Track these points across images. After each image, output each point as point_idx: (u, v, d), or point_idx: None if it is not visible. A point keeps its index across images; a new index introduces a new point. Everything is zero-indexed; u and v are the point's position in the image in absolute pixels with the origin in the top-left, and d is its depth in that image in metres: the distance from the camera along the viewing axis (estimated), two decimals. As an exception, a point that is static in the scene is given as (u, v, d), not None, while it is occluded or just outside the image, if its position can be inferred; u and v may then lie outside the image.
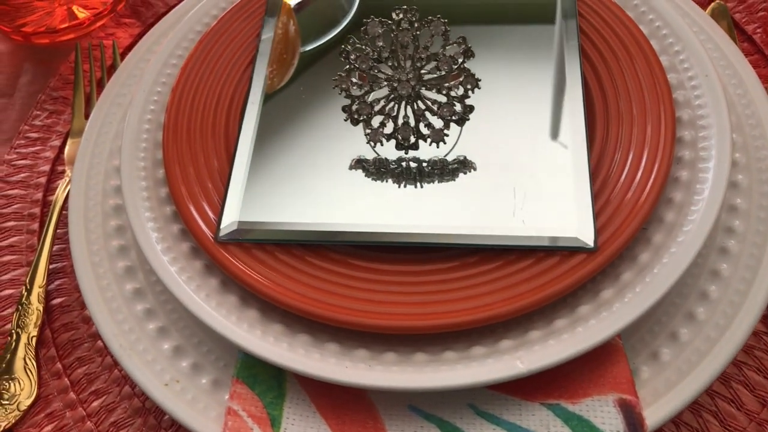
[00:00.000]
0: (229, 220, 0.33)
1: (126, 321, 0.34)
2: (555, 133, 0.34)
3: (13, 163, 0.45)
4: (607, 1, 0.39)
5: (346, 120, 0.34)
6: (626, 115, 0.35)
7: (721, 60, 0.39)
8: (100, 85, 0.47)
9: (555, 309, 0.31)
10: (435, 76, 0.32)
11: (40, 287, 0.39)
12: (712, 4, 0.45)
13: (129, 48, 0.49)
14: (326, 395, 0.31)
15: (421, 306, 0.30)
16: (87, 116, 0.45)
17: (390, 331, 0.30)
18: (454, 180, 0.34)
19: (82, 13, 0.50)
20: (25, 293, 0.38)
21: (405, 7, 0.31)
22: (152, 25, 0.50)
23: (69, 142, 0.44)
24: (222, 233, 0.33)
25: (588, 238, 0.31)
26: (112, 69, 0.48)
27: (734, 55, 0.39)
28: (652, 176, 0.33)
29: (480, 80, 0.32)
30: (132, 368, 0.32)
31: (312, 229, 0.33)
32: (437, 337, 0.31)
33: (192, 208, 0.34)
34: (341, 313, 0.30)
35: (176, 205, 0.34)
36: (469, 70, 0.32)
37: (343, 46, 0.32)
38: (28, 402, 0.36)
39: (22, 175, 0.44)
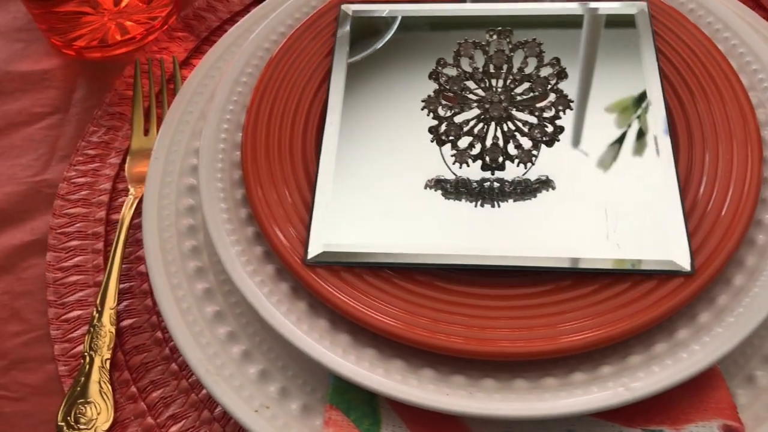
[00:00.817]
0: (317, 243, 0.33)
1: (210, 345, 0.33)
2: (640, 153, 0.34)
3: (72, 180, 0.44)
4: (681, 18, 0.39)
5: (432, 141, 0.33)
6: (710, 135, 0.35)
7: (796, 78, 0.39)
8: (159, 101, 0.46)
9: (651, 333, 0.31)
10: (527, 97, 0.32)
11: (111, 309, 0.38)
12: (774, 19, 0.45)
13: (184, 62, 0.49)
14: (421, 422, 0.31)
15: (520, 331, 0.30)
16: (146, 132, 0.45)
17: (492, 357, 0.29)
18: (538, 200, 0.34)
19: (134, 28, 0.50)
20: (96, 315, 0.38)
21: (500, 29, 0.31)
22: (206, 39, 0.50)
23: (129, 159, 0.44)
24: (310, 256, 0.32)
25: (684, 261, 0.31)
26: (170, 83, 0.47)
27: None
28: (743, 196, 0.33)
29: (573, 101, 0.32)
30: (221, 395, 0.32)
31: (399, 252, 0.32)
32: (534, 362, 0.30)
33: (277, 231, 0.33)
34: (440, 340, 0.30)
35: (261, 227, 0.34)
36: (562, 91, 0.32)
37: (434, 68, 0.32)
38: (106, 427, 0.35)
39: (83, 192, 0.43)
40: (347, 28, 0.40)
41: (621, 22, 0.39)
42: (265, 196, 0.34)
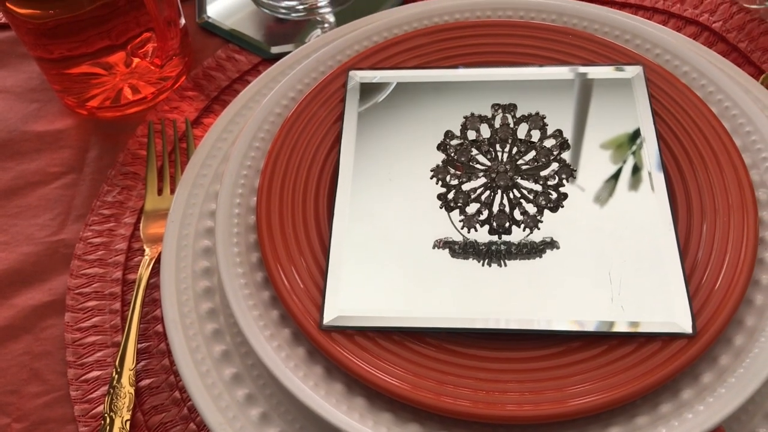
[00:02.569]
0: (332, 308, 0.34)
1: (229, 408, 0.34)
2: (640, 216, 0.36)
3: (89, 240, 0.45)
4: (675, 82, 0.41)
5: (441, 207, 0.35)
6: (708, 198, 0.36)
7: (787, 137, 0.40)
8: (172, 160, 0.48)
9: (657, 393, 0.32)
10: (532, 166, 0.33)
11: (130, 370, 0.39)
12: (763, 75, 0.47)
13: (195, 122, 0.50)
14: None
15: (529, 395, 0.31)
16: (159, 192, 0.46)
17: (503, 421, 0.31)
18: (544, 260, 0.35)
19: (145, 88, 0.51)
20: (116, 376, 0.39)
21: (504, 105, 0.32)
22: (216, 98, 0.52)
23: (143, 219, 0.45)
24: (326, 321, 0.33)
25: (686, 324, 0.32)
26: (182, 142, 0.49)
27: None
28: (741, 258, 0.34)
29: (575, 171, 0.33)
30: (241, 457, 0.33)
31: (410, 315, 0.34)
32: (543, 424, 0.31)
33: (293, 296, 0.34)
34: (448, 403, 0.31)
35: (277, 293, 0.35)
36: (565, 160, 0.33)
37: (443, 139, 0.33)
38: (127, 487, 0.36)
39: (100, 253, 0.45)
40: (355, 93, 0.41)
41: (618, 87, 0.40)
42: (280, 262, 0.36)
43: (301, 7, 0.57)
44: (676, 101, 0.40)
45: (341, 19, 0.56)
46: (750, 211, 0.35)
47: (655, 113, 0.39)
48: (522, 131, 0.33)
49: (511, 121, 0.32)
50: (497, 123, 0.33)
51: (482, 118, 0.33)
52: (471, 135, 0.33)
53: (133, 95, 0.51)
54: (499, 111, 0.32)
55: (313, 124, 0.41)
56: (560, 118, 0.38)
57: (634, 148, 0.38)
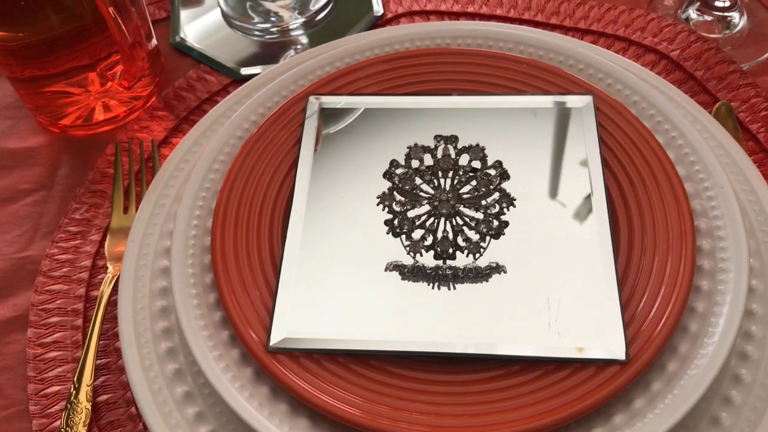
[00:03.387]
0: (279, 330, 0.35)
1: (179, 426, 0.35)
2: (582, 243, 0.37)
3: (55, 257, 0.46)
4: (623, 110, 0.42)
5: (387, 233, 0.36)
6: (649, 227, 0.37)
7: (732, 166, 0.41)
8: (138, 179, 0.49)
9: (589, 418, 0.33)
10: (473, 195, 0.35)
11: (88, 386, 0.40)
12: (718, 103, 0.48)
13: (164, 141, 0.51)
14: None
15: (475, 417, 0.32)
16: (125, 210, 0.47)
17: (437, 443, 0.32)
18: (490, 284, 0.36)
19: (117, 107, 0.52)
20: (74, 391, 0.40)
21: (446, 136, 0.33)
22: (185, 118, 0.53)
23: (109, 237, 0.46)
24: (272, 344, 0.34)
25: (620, 351, 0.33)
26: (149, 162, 0.50)
27: (744, 162, 0.41)
28: (677, 286, 0.35)
29: (515, 200, 0.34)
30: (187, 475, 0.34)
31: (355, 338, 0.35)
32: (480, 445, 0.32)
33: (242, 318, 0.35)
34: (388, 426, 0.32)
35: (227, 314, 0.36)
36: (505, 190, 0.34)
37: (388, 168, 0.34)
38: (79, 502, 0.37)
39: (64, 269, 0.46)
40: (314, 118, 0.43)
41: (567, 115, 0.41)
42: (232, 283, 0.37)
43: (274, 29, 0.58)
44: (624, 131, 0.41)
45: (314, 40, 0.58)
46: (688, 240, 0.36)
47: (602, 142, 0.40)
48: (463, 161, 0.34)
49: (452, 151, 0.33)
50: (439, 153, 0.34)
51: (425, 149, 0.34)
52: (415, 164, 0.34)
53: (104, 114, 0.52)
54: (441, 142, 0.33)
55: (272, 148, 0.42)
56: (509, 146, 0.39)
57: (580, 175, 0.39)
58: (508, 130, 0.40)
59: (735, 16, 0.54)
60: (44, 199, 0.50)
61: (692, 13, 0.54)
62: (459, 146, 0.34)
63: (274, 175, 0.41)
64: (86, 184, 0.50)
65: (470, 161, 0.34)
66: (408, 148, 0.34)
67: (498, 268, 0.36)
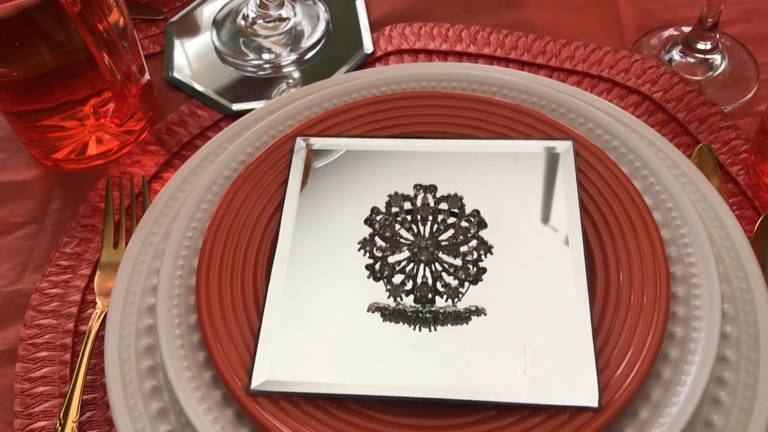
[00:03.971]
0: (260, 373, 0.35)
1: (161, 466, 0.36)
2: (559, 289, 0.37)
3: (45, 291, 0.47)
4: (602, 156, 0.43)
5: (368, 278, 0.37)
6: (625, 272, 0.38)
7: (710, 212, 0.42)
8: (129, 213, 0.50)
9: (564, 463, 0.33)
10: (452, 242, 0.35)
11: (73, 422, 0.41)
12: (699, 145, 0.49)
13: (155, 176, 0.52)
14: None
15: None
16: (115, 245, 0.48)
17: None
18: (468, 330, 0.37)
19: (110, 141, 0.53)
20: (59, 427, 0.40)
21: (426, 185, 0.34)
22: (176, 153, 0.54)
23: (98, 272, 0.47)
24: (253, 386, 0.35)
25: (593, 398, 0.34)
26: (140, 197, 0.51)
27: (721, 208, 0.42)
28: (650, 333, 0.36)
29: (492, 247, 0.35)
30: None
31: (334, 382, 0.35)
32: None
33: (225, 359, 0.36)
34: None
35: (210, 355, 0.36)
36: (482, 238, 0.35)
37: (369, 215, 0.35)
38: None
39: (54, 304, 0.46)
40: (300, 160, 0.43)
41: (548, 160, 0.42)
42: (215, 324, 0.37)
43: (267, 65, 0.59)
44: (603, 176, 0.42)
45: (306, 76, 0.59)
46: (663, 287, 0.37)
47: (581, 187, 0.41)
48: (442, 210, 0.35)
49: (431, 200, 0.34)
50: (419, 202, 0.35)
51: (405, 197, 0.35)
52: (395, 211, 0.35)
53: (98, 148, 0.53)
54: (421, 191, 0.34)
55: (258, 189, 0.43)
56: (489, 191, 0.40)
57: (558, 220, 0.40)
58: (488, 174, 0.41)
59: (717, 58, 0.55)
60: (36, 232, 0.50)
61: (675, 55, 0.56)
62: (438, 195, 0.35)
63: (260, 216, 0.42)
64: (78, 218, 0.50)
65: (449, 210, 0.35)
66: (388, 196, 0.35)
67: (478, 311, 0.37)
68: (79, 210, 0.51)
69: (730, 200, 0.48)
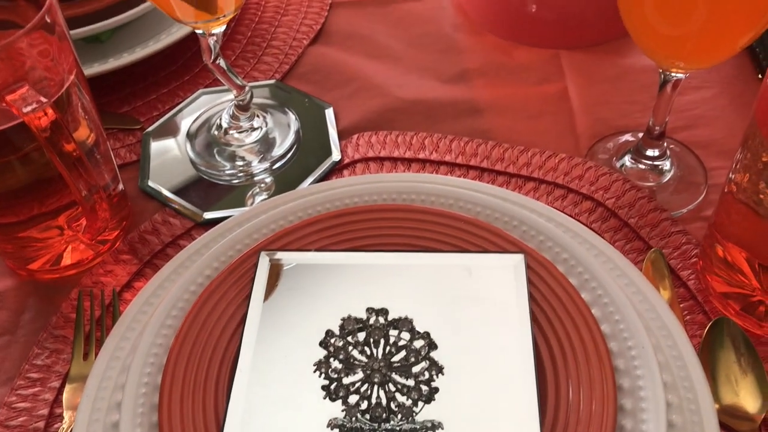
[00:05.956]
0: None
1: None
2: (509, 403, 0.39)
3: (13, 405, 0.48)
4: (552, 269, 0.45)
5: (324, 398, 0.38)
6: (574, 385, 0.40)
7: (657, 321, 0.44)
8: (99, 324, 0.51)
9: None
10: (404, 364, 0.37)
11: None
12: (651, 251, 0.51)
13: (127, 285, 0.54)
14: None
15: None
16: (85, 356, 0.49)
17: None
18: (423, 447, 0.38)
19: (85, 251, 0.55)
20: None
21: (378, 308, 0.36)
22: (148, 262, 0.55)
23: (67, 385, 0.48)
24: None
25: None
26: (110, 307, 0.52)
27: (668, 318, 0.44)
28: (598, 447, 0.37)
29: (443, 368, 0.37)
30: None
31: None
32: None
33: (184, 481, 0.37)
34: None
35: (170, 477, 0.37)
36: (433, 358, 0.37)
37: (323, 338, 0.37)
38: None
39: (21, 419, 0.47)
40: (264, 274, 0.45)
41: (500, 274, 0.44)
42: (177, 445, 0.38)
43: (240, 173, 0.61)
44: (552, 289, 0.44)
45: (277, 182, 0.61)
46: (610, 401, 0.38)
47: (532, 300, 0.43)
48: (394, 333, 0.36)
49: (383, 323, 0.36)
50: (372, 321, 0.36)
51: (358, 320, 0.36)
52: (349, 331, 0.37)
53: (72, 258, 0.55)
54: (373, 314, 0.36)
55: (223, 304, 0.44)
56: (442, 306, 0.41)
57: (509, 334, 0.41)
58: (442, 289, 0.43)
59: (666, 164, 0.58)
60: (7, 343, 0.51)
61: (627, 161, 0.58)
62: (390, 318, 0.37)
63: (223, 332, 0.43)
64: (49, 329, 0.51)
65: (399, 333, 0.36)
66: (342, 320, 0.37)
67: (434, 426, 0.38)
68: (51, 321, 0.52)
69: (681, 305, 0.50)
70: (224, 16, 0.53)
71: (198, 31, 0.54)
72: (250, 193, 0.60)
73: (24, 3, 0.50)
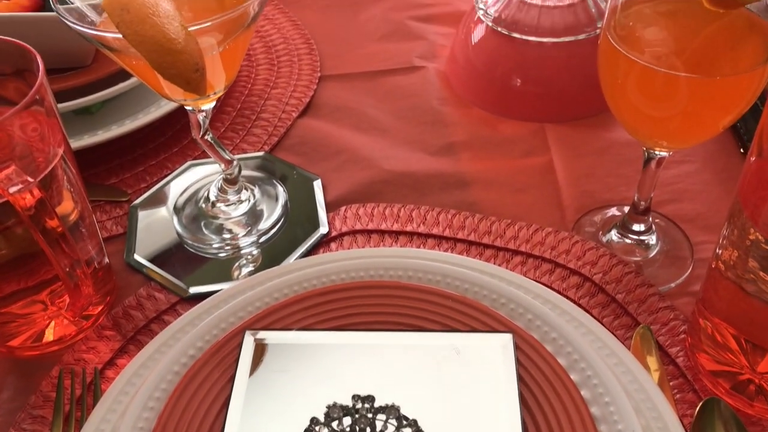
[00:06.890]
0: None
1: None
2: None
3: (-14, 491, 0.46)
4: (540, 349, 0.44)
5: (311, 485, 0.37)
6: (564, 471, 0.39)
7: (647, 402, 0.43)
8: (80, 403, 0.50)
9: None
10: (391, 451, 0.36)
11: None
12: (639, 327, 0.51)
13: (110, 362, 0.53)
14: None
15: None
16: (64, 438, 0.48)
17: None
18: None
19: (68, 327, 0.54)
20: None
21: (364, 396, 0.35)
22: (132, 338, 0.54)
23: (44, 468, 0.46)
24: None
25: None
26: (92, 386, 0.51)
27: (658, 398, 0.43)
28: None
29: (430, 455, 0.36)
30: None
31: None
32: None
33: None
34: None
35: None
36: (421, 445, 0.36)
37: (308, 425, 0.36)
38: None
39: (-5, 506, 0.45)
40: (248, 355, 0.44)
41: (488, 353, 0.44)
42: None
43: (228, 246, 0.61)
44: (541, 369, 0.43)
45: (265, 255, 0.61)
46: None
47: (520, 380, 0.43)
48: (381, 419, 0.36)
49: (369, 409, 0.35)
50: (357, 406, 0.36)
51: (343, 408, 0.36)
52: (334, 418, 0.36)
53: (54, 334, 0.54)
54: (359, 401, 0.35)
55: (206, 386, 0.44)
56: (431, 388, 0.41)
57: (498, 414, 0.41)
58: (430, 370, 0.42)
59: (652, 239, 0.58)
60: (-16, 425, 0.50)
61: (614, 236, 0.59)
62: (376, 405, 0.36)
63: (206, 415, 0.42)
64: (27, 409, 0.50)
65: (386, 421, 0.36)
66: (327, 407, 0.36)
67: None
68: (29, 400, 0.51)
69: (671, 383, 0.50)
70: (214, 93, 0.54)
71: (187, 108, 0.55)
72: (237, 265, 0.60)
73: (12, 78, 0.51)
